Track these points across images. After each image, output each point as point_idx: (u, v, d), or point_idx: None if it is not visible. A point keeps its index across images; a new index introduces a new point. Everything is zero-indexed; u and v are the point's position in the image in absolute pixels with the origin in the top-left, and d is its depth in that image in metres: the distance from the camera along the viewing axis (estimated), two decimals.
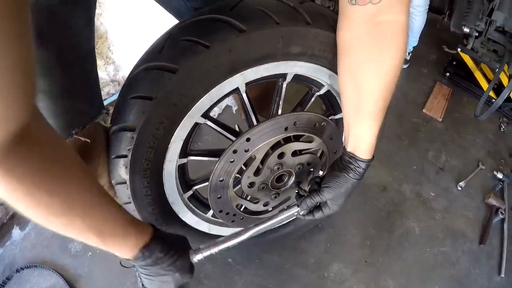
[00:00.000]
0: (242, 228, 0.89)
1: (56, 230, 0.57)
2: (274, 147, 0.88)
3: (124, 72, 2.04)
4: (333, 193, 0.85)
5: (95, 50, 0.82)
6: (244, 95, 0.89)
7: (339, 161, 0.86)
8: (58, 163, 0.53)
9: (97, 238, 0.61)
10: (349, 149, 0.83)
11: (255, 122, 0.95)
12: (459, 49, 2.26)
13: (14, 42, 0.35)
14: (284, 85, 0.95)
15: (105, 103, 1.94)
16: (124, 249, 0.66)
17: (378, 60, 0.71)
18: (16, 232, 1.56)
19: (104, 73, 2.02)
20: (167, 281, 0.73)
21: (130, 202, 0.88)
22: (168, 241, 0.72)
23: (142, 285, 1.35)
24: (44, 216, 0.54)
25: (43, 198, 0.51)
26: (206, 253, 0.81)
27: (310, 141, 0.94)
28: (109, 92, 2.02)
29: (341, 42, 0.77)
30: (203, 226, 1.12)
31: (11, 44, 0.35)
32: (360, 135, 0.80)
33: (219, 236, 1.16)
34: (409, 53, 2.51)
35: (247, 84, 0.86)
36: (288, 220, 0.92)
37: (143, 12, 1.90)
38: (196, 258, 0.79)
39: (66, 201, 0.55)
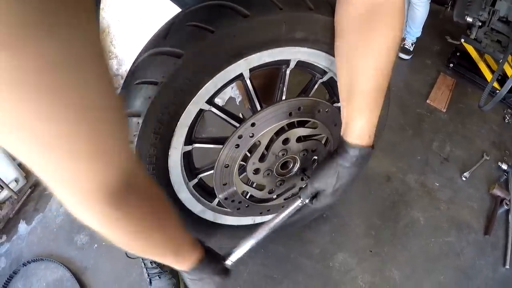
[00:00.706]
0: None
1: (144, 256, 0.64)
2: (279, 132, 0.89)
3: (127, 66, 2.05)
4: (322, 181, 0.82)
5: None
6: (248, 82, 0.89)
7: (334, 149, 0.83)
8: (156, 200, 0.58)
9: (173, 258, 0.69)
10: (341, 133, 0.79)
11: (259, 108, 0.95)
12: (462, 40, 2.25)
13: (105, 65, 0.36)
14: (288, 72, 0.96)
15: None
16: (187, 263, 0.74)
17: (370, 39, 0.70)
18: (22, 227, 1.57)
19: None
20: (209, 283, 0.81)
21: None
22: (210, 253, 0.80)
23: (148, 275, 1.38)
24: (144, 249, 0.61)
25: (149, 235, 0.58)
26: (235, 257, 0.86)
27: (315, 127, 0.94)
28: None
29: (338, 26, 0.77)
30: (209, 215, 1.12)
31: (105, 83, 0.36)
32: (351, 118, 0.76)
33: (223, 225, 1.18)
34: (412, 44, 2.50)
35: (251, 70, 0.86)
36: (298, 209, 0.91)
37: (144, 5, 1.90)
38: (229, 263, 0.86)
39: (164, 235, 0.62)
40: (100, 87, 0.35)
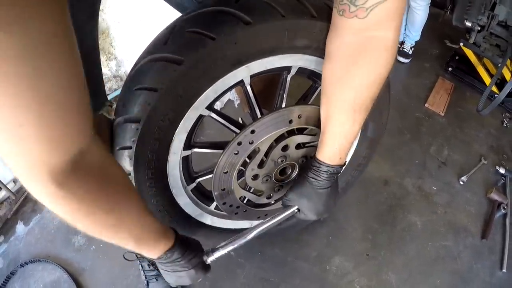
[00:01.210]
0: (247, 227, 0.89)
1: (102, 239, 0.62)
2: (278, 139, 0.89)
3: (126, 67, 2.05)
4: (295, 198, 0.87)
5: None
6: (249, 88, 0.89)
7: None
8: (113, 182, 0.58)
9: (135, 244, 0.68)
10: (316, 151, 0.84)
11: (259, 115, 0.95)
12: (461, 44, 2.26)
13: (66, 58, 0.39)
14: (288, 78, 0.96)
15: (108, 98, 1.95)
16: (153, 251, 0.73)
17: (353, 73, 0.70)
18: (20, 227, 1.57)
19: (106, 68, 2.02)
20: (182, 276, 0.80)
21: None
22: (185, 244, 0.80)
23: (145, 277, 1.38)
24: (98, 230, 0.60)
25: (101, 216, 0.57)
26: (217, 254, 0.85)
27: (314, 134, 0.94)
28: (111, 88, 2.02)
29: (327, 51, 0.77)
30: (206, 219, 1.12)
31: (64, 60, 0.39)
32: (324, 142, 0.81)
33: (221, 229, 1.18)
34: (411, 48, 2.50)
35: (251, 76, 0.86)
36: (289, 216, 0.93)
37: (144, 7, 1.89)
38: (209, 259, 0.85)
39: (119, 218, 0.61)
40: (53, 77, 0.38)
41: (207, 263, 0.85)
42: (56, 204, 0.50)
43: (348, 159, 1.20)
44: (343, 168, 0.88)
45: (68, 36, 0.38)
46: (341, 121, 0.77)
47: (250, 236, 0.87)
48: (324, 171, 0.82)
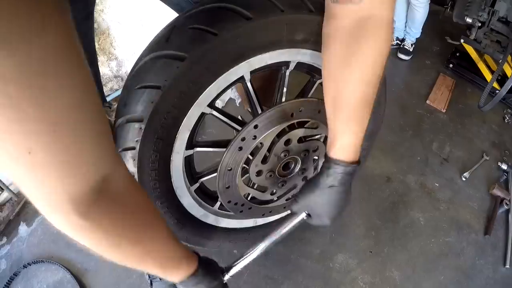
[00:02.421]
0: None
1: (127, 266, 0.60)
2: (280, 134, 0.89)
3: (127, 67, 2.05)
4: (307, 199, 0.80)
5: (97, 45, 0.83)
6: (249, 84, 0.89)
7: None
8: (139, 211, 0.55)
9: (159, 270, 0.66)
10: (326, 149, 0.77)
11: (259, 111, 0.95)
12: (462, 40, 2.25)
13: (76, 73, 0.35)
14: (287, 73, 0.96)
15: (109, 99, 1.95)
16: (176, 276, 0.71)
17: (357, 52, 0.69)
18: (22, 229, 1.57)
19: (107, 68, 2.02)
20: None
21: None
22: (206, 267, 0.78)
23: (149, 277, 1.37)
24: (123, 260, 0.57)
25: (127, 248, 0.54)
26: (232, 272, 0.86)
27: (315, 128, 0.94)
28: (112, 88, 2.03)
29: (325, 38, 0.76)
30: (211, 219, 1.12)
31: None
32: (337, 131, 0.74)
33: (226, 229, 1.18)
34: (412, 45, 2.50)
35: (252, 72, 0.86)
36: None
37: (144, 7, 1.90)
38: (225, 278, 0.85)
39: (145, 247, 0.58)
40: (63, 96, 0.34)
41: (224, 281, 0.84)
42: (81, 235, 0.47)
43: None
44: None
45: (75, 48, 0.34)
46: (352, 104, 0.71)
47: (262, 248, 0.87)
48: (340, 173, 0.74)
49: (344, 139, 0.73)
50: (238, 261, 0.86)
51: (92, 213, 0.44)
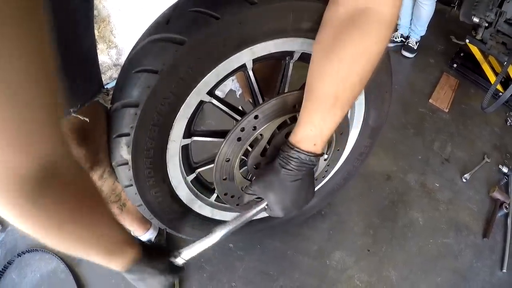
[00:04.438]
0: (219, 227, 0.85)
1: (69, 251, 0.59)
2: (281, 126, 0.86)
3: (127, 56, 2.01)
4: (260, 189, 0.78)
5: (97, 33, 0.79)
6: (251, 73, 0.86)
7: None
8: (87, 195, 0.55)
9: (105, 256, 0.65)
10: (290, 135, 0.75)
11: (261, 101, 0.92)
12: (467, 40, 2.23)
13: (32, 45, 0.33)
14: (291, 64, 0.93)
15: (107, 87, 1.92)
16: (120, 263, 0.70)
17: (342, 45, 0.64)
18: None
19: (106, 57, 1.99)
20: (151, 284, 0.79)
21: (131, 185, 0.84)
22: (150, 252, 0.78)
23: None
24: (66, 243, 0.56)
25: (74, 232, 0.54)
26: (187, 255, 0.84)
27: None
28: (112, 76, 1.99)
29: (322, 20, 0.72)
30: (206, 211, 1.10)
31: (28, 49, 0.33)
32: (300, 119, 0.72)
33: (222, 221, 1.15)
34: (416, 43, 2.48)
35: (254, 61, 0.83)
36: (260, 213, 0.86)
37: None
38: (179, 261, 0.84)
39: (94, 233, 0.58)
40: (16, 63, 0.32)
41: (178, 264, 0.83)
42: (24, 218, 0.45)
43: (349, 149, 1.17)
44: (319, 160, 0.76)
45: (35, 12, 0.32)
46: (321, 97, 0.68)
47: (220, 235, 0.83)
48: (294, 158, 0.72)
49: (306, 129, 0.71)
50: (193, 245, 0.84)
51: (38, 195, 0.43)
